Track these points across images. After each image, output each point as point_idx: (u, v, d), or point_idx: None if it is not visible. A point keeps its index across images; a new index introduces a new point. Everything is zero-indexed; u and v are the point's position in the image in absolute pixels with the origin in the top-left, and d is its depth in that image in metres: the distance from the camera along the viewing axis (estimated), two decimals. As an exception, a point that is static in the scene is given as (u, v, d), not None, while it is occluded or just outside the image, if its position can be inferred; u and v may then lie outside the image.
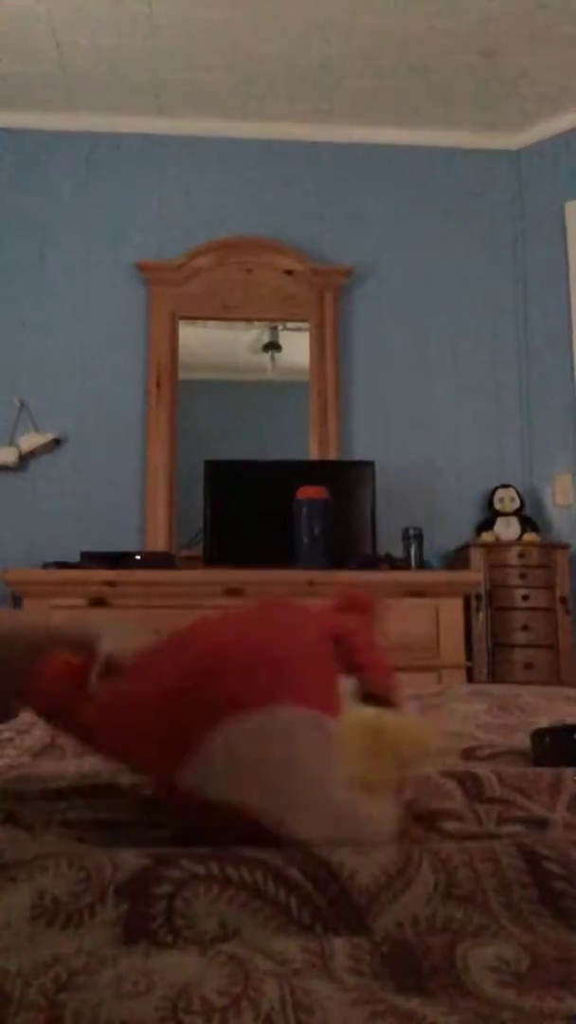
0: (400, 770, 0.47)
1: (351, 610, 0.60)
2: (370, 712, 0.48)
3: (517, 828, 0.54)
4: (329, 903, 0.40)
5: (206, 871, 0.40)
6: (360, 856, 0.42)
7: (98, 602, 2.65)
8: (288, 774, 0.44)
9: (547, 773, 0.68)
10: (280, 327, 3.48)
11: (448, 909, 0.40)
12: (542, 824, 0.53)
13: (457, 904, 0.40)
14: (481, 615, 2.98)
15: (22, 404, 3.26)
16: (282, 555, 2.79)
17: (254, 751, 0.45)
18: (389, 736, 0.46)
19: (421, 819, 0.56)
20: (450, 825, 0.53)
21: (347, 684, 0.50)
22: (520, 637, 2.97)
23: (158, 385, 3.30)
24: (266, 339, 3.50)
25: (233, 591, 2.67)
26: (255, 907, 0.39)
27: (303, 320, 3.41)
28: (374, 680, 0.52)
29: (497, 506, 3.25)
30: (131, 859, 0.41)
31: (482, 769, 0.71)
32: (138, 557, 2.84)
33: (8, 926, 0.37)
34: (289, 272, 3.40)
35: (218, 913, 0.39)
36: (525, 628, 2.97)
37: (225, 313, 3.40)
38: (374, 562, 2.93)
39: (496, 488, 3.29)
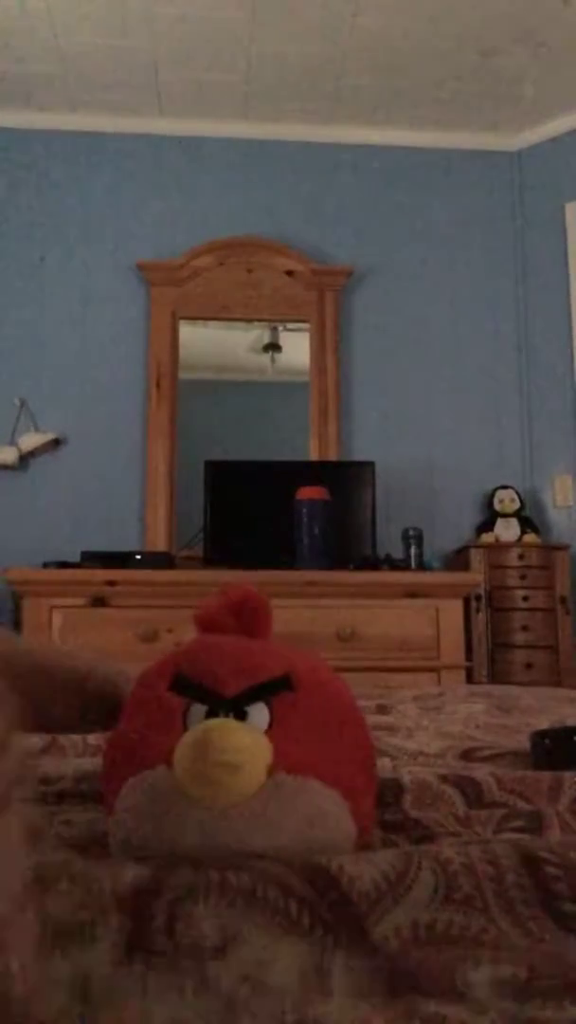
0: (226, 775, 0.45)
1: (228, 613, 0.56)
2: (195, 730, 0.47)
3: (516, 833, 0.53)
4: (329, 909, 0.40)
5: (206, 880, 0.40)
6: (360, 862, 0.42)
7: (98, 602, 2.65)
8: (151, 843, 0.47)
9: (547, 776, 0.68)
10: (280, 327, 3.48)
11: (447, 914, 0.40)
12: (542, 828, 0.53)
13: (456, 909, 0.40)
14: (481, 616, 2.98)
15: (22, 404, 3.26)
16: (282, 555, 2.79)
17: (122, 828, 0.49)
18: (200, 747, 0.46)
19: (419, 825, 0.56)
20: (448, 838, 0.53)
21: (198, 709, 0.50)
22: (520, 638, 2.97)
23: (158, 385, 3.30)
24: (266, 339, 3.50)
25: (233, 591, 2.67)
26: (254, 913, 0.39)
27: (303, 320, 3.41)
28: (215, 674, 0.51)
29: (497, 507, 3.25)
30: (130, 871, 0.40)
31: (481, 772, 0.71)
32: (138, 557, 2.84)
33: None
34: (289, 272, 3.40)
35: (219, 920, 0.39)
36: (525, 629, 2.97)
37: (225, 313, 3.40)
38: (374, 563, 2.93)
39: (496, 489, 3.29)
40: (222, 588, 0.56)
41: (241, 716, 0.49)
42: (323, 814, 0.46)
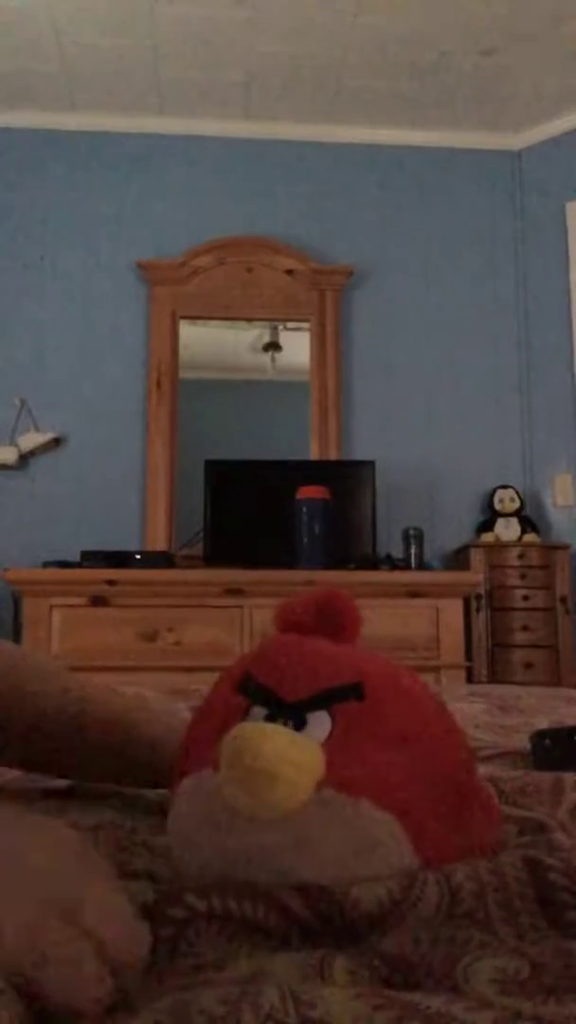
0: (263, 785, 0.41)
1: (308, 620, 0.51)
2: (231, 733, 0.44)
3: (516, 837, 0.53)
4: (331, 933, 0.40)
5: (208, 907, 0.40)
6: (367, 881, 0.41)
7: (98, 601, 2.65)
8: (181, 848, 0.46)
9: (548, 777, 0.68)
10: (280, 327, 3.48)
11: (450, 929, 0.40)
12: (542, 831, 0.53)
13: (459, 923, 0.40)
14: (481, 616, 2.98)
15: (22, 404, 3.26)
16: (282, 555, 2.79)
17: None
18: (244, 754, 0.42)
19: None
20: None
21: (258, 712, 0.47)
22: (520, 638, 2.97)
23: (158, 385, 3.30)
24: (266, 339, 3.50)
25: (233, 591, 2.67)
26: (257, 940, 0.39)
27: (303, 320, 3.41)
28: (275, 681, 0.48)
29: (497, 507, 3.25)
30: (136, 898, 0.40)
31: (481, 774, 0.71)
32: (138, 557, 2.84)
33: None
34: (289, 272, 3.40)
35: (220, 947, 0.39)
36: (525, 629, 2.97)
37: (225, 313, 3.40)
38: (374, 563, 2.93)
39: (496, 489, 3.29)
40: (310, 589, 0.53)
41: (301, 724, 0.45)
42: (371, 845, 0.42)
